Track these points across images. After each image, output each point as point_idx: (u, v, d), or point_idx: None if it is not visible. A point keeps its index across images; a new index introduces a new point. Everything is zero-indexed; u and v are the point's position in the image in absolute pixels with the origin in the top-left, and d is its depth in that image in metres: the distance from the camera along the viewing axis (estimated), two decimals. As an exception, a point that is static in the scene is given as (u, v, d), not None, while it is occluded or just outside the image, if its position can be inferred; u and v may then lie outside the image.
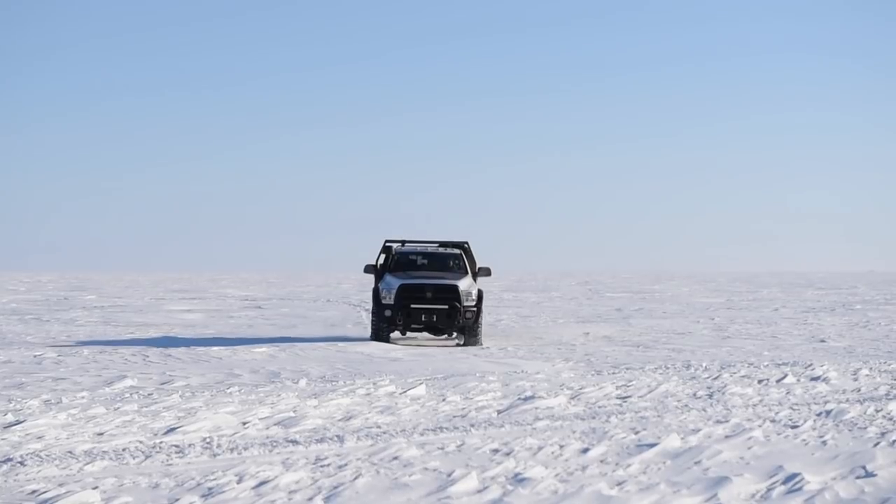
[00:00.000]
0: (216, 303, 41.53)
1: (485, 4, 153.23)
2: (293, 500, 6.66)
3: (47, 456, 7.91)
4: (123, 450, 8.18)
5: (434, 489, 6.93)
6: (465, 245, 21.97)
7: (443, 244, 22.11)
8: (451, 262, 21.60)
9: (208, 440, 8.65)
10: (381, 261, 21.59)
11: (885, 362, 15.44)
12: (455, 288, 20.06)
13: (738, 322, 27.60)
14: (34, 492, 6.81)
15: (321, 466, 7.58)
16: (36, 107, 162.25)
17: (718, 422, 9.57)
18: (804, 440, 8.64)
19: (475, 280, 21.07)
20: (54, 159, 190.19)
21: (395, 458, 7.88)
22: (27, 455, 7.92)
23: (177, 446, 8.36)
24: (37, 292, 53.36)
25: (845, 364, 15.02)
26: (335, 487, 6.95)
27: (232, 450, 8.22)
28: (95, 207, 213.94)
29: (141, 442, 8.56)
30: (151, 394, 11.73)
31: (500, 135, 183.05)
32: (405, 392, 11.59)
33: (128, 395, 11.65)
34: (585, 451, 8.13)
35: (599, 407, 10.64)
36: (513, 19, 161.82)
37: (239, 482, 7.06)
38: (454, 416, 10.03)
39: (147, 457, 7.94)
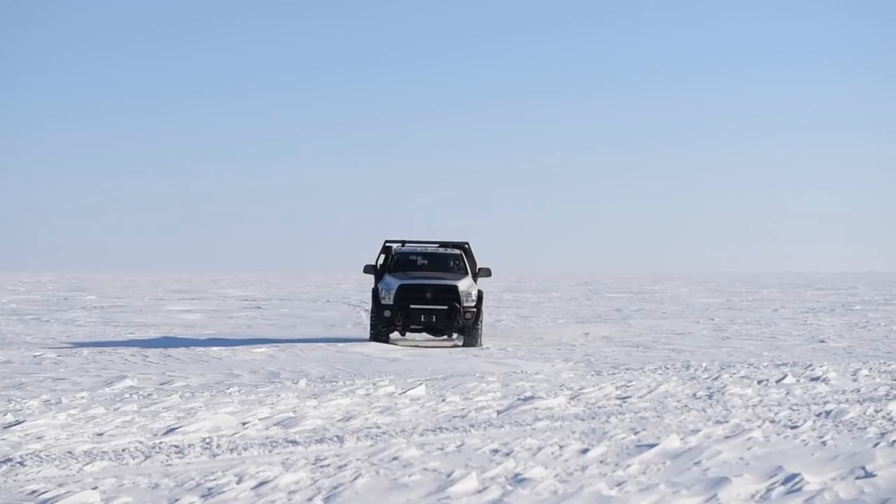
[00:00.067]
0: (216, 303, 41.53)
1: (485, 4, 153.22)
2: (293, 500, 6.66)
3: (47, 456, 7.91)
4: (123, 450, 8.18)
5: (434, 489, 6.93)
6: (466, 245, 21.93)
7: (443, 244, 22.08)
8: (451, 263, 21.57)
9: (208, 440, 8.65)
10: (380, 261, 21.55)
11: (884, 363, 15.44)
12: (455, 288, 20.04)
13: (738, 322, 27.60)
14: (34, 492, 6.81)
15: (321, 467, 7.58)
16: (36, 107, 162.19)
17: (718, 422, 9.56)
18: (804, 441, 8.63)
19: (475, 281, 21.03)
20: (54, 159, 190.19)
21: (395, 458, 7.88)
22: (27, 455, 7.92)
23: (176, 446, 8.36)
24: (36, 292, 53.37)
25: (845, 364, 15.02)
26: (335, 488, 6.95)
27: (231, 450, 8.22)
28: (95, 207, 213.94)
29: (140, 442, 8.56)
30: (151, 394, 11.73)
31: (500, 135, 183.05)
32: (405, 392, 11.59)
33: (127, 395, 11.65)
34: (585, 451, 8.13)
35: (599, 407, 10.64)
36: (513, 19, 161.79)
37: (239, 482, 7.06)
38: (454, 417, 10.03)
39: (147, 457, 7.94)
